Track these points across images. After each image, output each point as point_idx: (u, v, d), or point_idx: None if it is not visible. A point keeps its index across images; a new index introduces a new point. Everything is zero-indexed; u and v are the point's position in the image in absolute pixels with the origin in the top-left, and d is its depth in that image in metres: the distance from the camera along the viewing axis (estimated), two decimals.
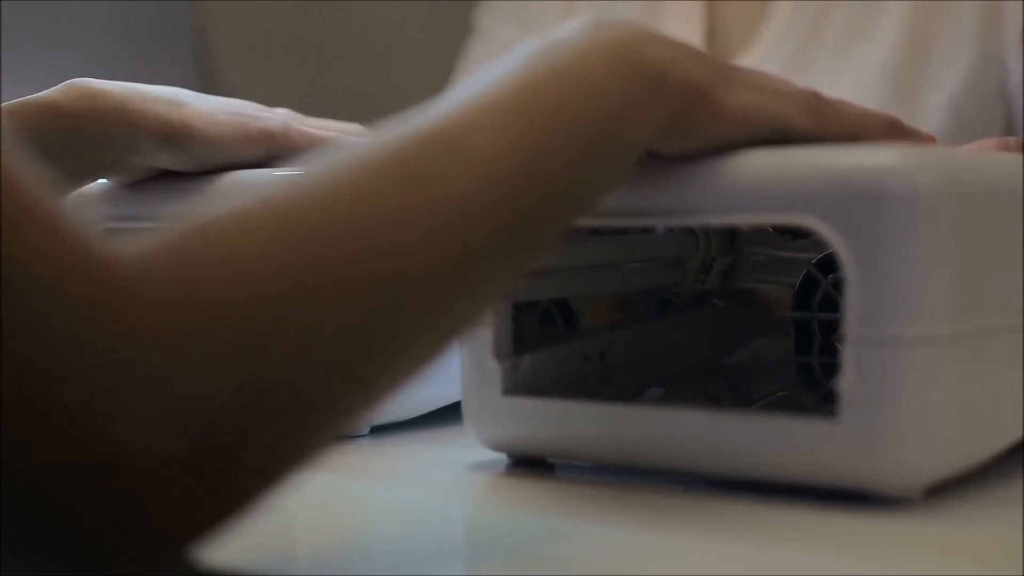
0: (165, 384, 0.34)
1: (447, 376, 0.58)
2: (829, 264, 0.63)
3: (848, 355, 0.48)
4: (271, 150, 0.67)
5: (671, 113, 0.48)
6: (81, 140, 0.66)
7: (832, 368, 0.55)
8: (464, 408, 0.57)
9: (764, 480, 0.50)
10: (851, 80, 1.15)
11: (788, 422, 0.50)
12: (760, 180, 0.50)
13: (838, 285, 0.55)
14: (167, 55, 1.90)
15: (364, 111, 2.01)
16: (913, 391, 0.47)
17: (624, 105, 0.46)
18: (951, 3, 1.14)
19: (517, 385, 0.56)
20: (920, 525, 0.47)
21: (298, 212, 0.38)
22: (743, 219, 0.52)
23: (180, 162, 0.68)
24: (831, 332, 0.64)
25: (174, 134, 0.66)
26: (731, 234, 0.67)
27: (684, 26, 1.21)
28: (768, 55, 1.18)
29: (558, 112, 0.44)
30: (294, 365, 0.36)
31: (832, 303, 0.64)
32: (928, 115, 1.14)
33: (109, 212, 0.73)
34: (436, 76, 1.43)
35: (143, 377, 0.33)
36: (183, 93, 0.68)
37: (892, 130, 0.54)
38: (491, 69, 0.45)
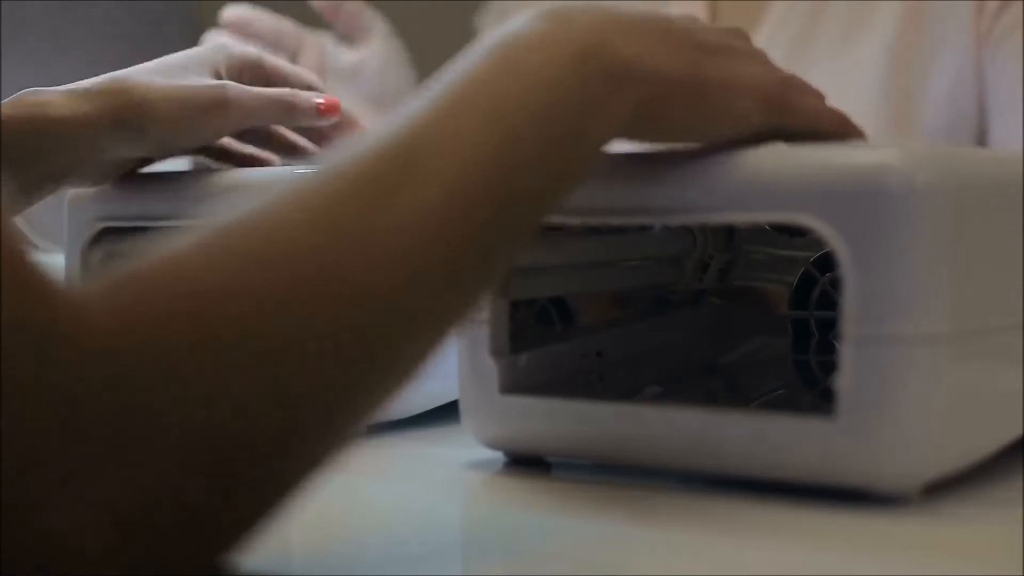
0: (96, 475, 0.32)
1: (444, 374, 0.57)
2: (827, 262, 0.63)
3: (846, 353, 0.48)
4: (228, 119, 0.67)
5: (636, 107, 0.47)
6: (28, 150, 0.64)
7: (830, 366, 0.55)
8: (461, 406, 0.57)
9: (762, 479, 0.50)
10: (849, 73, 1.15)
11: (786, 421, 0.50)
12: (758, 178, 0.50)
13: (836, 283, 0.55)
14: (161, 55, 1.90)
15: None
16: (911, 389, 0.47)
17: (587, 104, 0.45)
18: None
19: (514, 383, 0.56)
20: (918, 524, 0.47)
21: (253, 247, 0.36)
22: (741, 217, 0.52)
23: (141, 147, 0.67)
24: (829, 330, 0.64)
25: (126, 119, 0.65)
26: (729, 232, 0.67)
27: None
28: (767, 46, 1.18)
29: (519, 116, 0.43)
30: (244, 423, 0.35)
31: (830, 301, 0.64)
32: (926, 107, 1.14)
33: (108, 212, 0.73)
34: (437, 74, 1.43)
35: (77, 466, 0.32)
36: (125, 75, 0.66)
37: (844, 127, 0.54)
38: (453, 70, 0.44)
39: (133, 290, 0.35)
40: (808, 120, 0.52)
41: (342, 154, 0.41)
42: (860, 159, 0.48)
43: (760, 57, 0.53)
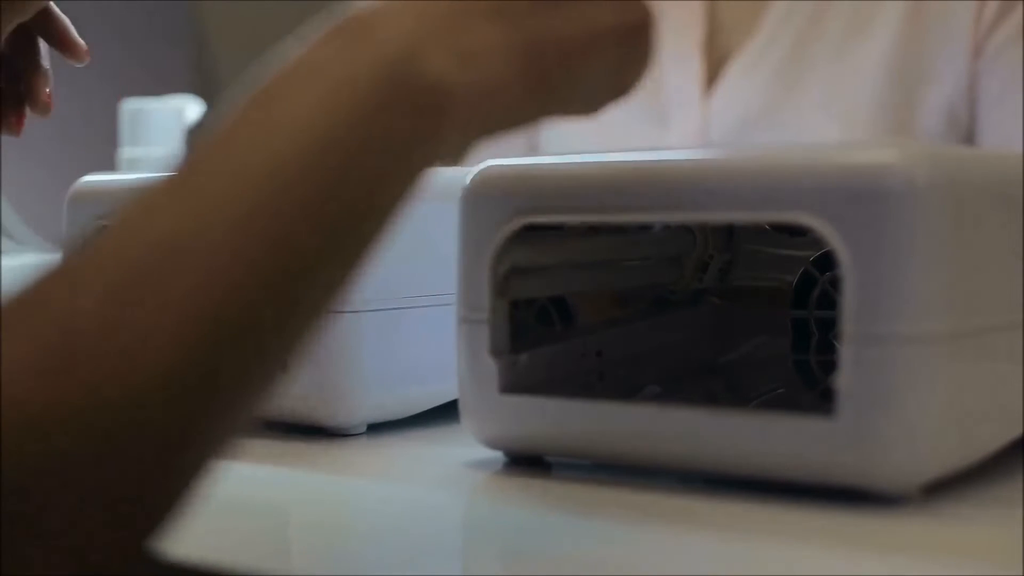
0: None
1: (444, 374, 0.57)
2: (826, 262, 0.63)
3: (846, 353, 0.48)
4: None
5: (464, 129, 0.40)
6: None
7: (830, 366, 0.55)
8: (461, 406, 0.57)
9: (761, 478, 0.50)
10: (849, 77, 1.16)
11: (786, 420, 0.50)
12: (758, 178, 0.50)
13: (835, 283, 0.55)
14: (167, 55, 1.90)
15: None
16: (911, 389, 0.47)
17: (386, 142, 0.38)
18: (943, 3, 1.14)
19: (514, 383, 0.55)
20: (918, 524, 0.47)
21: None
22: (741, 217, 0.52)
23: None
24: (828, 330, 0.64)
25: None
26: (729, 231, 0.67)
27: (686, 20, 1.22)
28: (765, 51, 1.18)
29: (313, 177, 0.36)
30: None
31: (829, 301, 0.64)
32: (925, 114, 1.15)
33: (108, 210, 0.73)
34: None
35: None
36: None
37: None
38: (241, 107, 0.37)
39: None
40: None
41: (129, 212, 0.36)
42: (860, 159, 0.48)
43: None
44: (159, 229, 0.35)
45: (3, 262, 1.23)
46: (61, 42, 0.64)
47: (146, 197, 0.36)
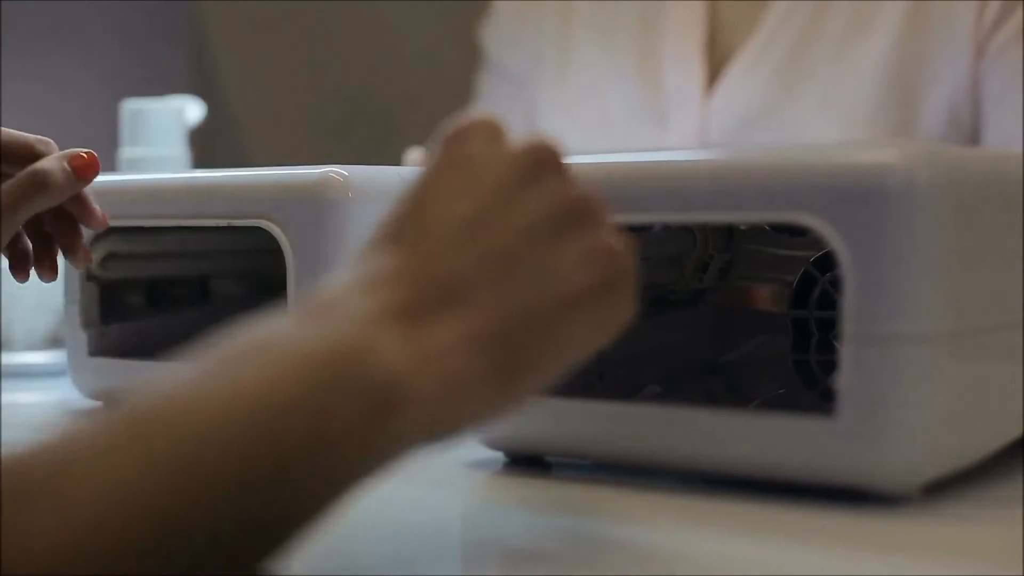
0: None
1: None
2: (826, 262, 0.63)
3: (846, 353, 0.48)
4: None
5: (425, 418, 0.37)
6: None
7: (830, 366, 0.55)
8: None
9: (762, 478, 0.50)
10: (849, 77, 1.16)
11: (786, 420, 0.50)
12: (758, 178, 0.50)
13: (836, 283, 0.55)
14: (167, 55, 1.90)
15: (363, 109, 2.02)
16: (911, 389, 0.47)
17: (324, 429, 0.35)
18: (944, 3, 1.14)
19: None
20: (918, 523, 0.47)
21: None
22: (741, 217, 0.52)
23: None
24: (829, 330, 0.64)
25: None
26: (729, 232, 0.67)
27: (687, 20, 1.22)
28: (765, 50, 1.18)
29: (238, 447, 0.33)
30: None
31: (829, 301, 0.64)
32: (926, 114, 1.14)
33: (108, 212, 0.73)
34: (436, 74, 1.44)
35: None
36: None
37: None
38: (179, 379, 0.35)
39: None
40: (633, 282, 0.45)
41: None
42: (860, 159, 0.48)
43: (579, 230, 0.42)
44: (94, 476, 0.32)
45: (3, 263, 1.23)
46: (80, 211, 0.67)
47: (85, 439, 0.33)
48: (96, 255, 0.75)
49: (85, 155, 0.64)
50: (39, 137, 0.65)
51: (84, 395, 0.74)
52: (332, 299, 0.38)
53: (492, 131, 0.43)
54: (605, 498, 0.51)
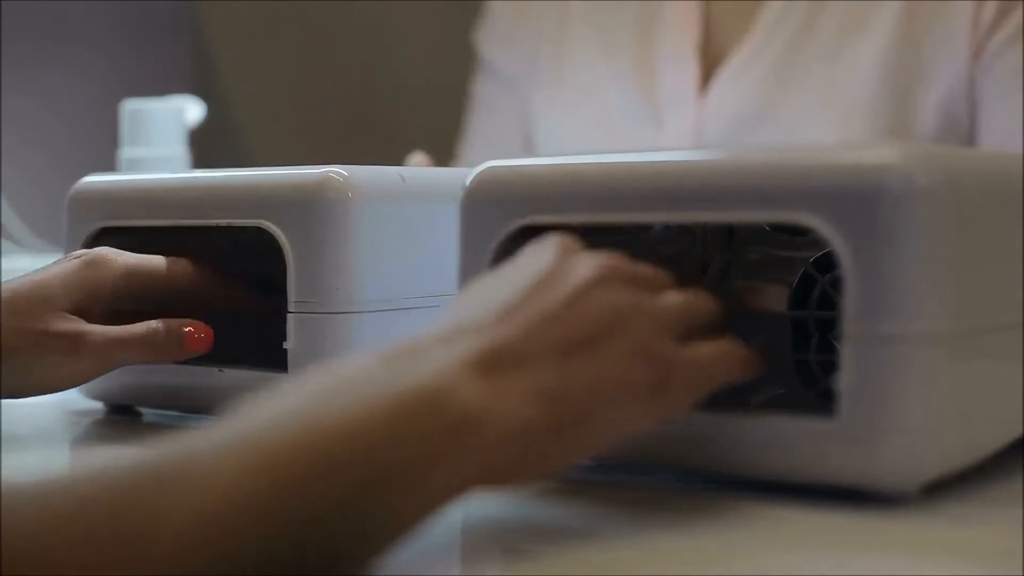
0: None
1: None
2: (827, 262, 0.63)
3: (846, 353, 0.48)
4: (81, 364, 0.66)
5: (492, 458, 0.41)
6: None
7: (830, 366, 0.55)
8: None
9: (762, 479, 0.50)
10: (844, 77, 1.16)
11: (786, 420, 0.50)
12: (758, 177, 0.50)
13: (836, 283, 0.55)
14: (168, 55, 1.90)
15: (363, 109, 2.01)
16: (911, 388, 0.47)
17: (406, 459, 0.38)
18: (940, 3, 1.15)
19: None
20: (918, 524, 0.47)
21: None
22: (741, 216, 0.52)
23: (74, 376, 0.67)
24: (829, 330, 0.64)
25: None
26: (729, 232, 0.67)
27: (682, 22, 1.22)
28: (760, 51, 1.19)
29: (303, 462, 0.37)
30: None
31: (829, 301, 0.64)
32: (921, 113, 1.15)
33: (108, 212, 0.73)
34: (437, 74, 1.43)
35: None
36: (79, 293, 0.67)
37: (742, 367, 0.51)
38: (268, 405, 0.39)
39: None
40: (702, 386, 0.49)
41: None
42: (860, 158, 0.48)
43: (637, 326, 0.47)
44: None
45: (3, 263, 1.23)
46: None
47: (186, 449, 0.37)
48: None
49: (203, 335, 0.67)
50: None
51: (85, 396, 0.74)
52: (415, 345, 0.42)
53: (569, 244, 0.50)
54: (605, 498, 0.51)
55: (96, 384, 0.71)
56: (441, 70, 1.42)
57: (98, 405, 0.75)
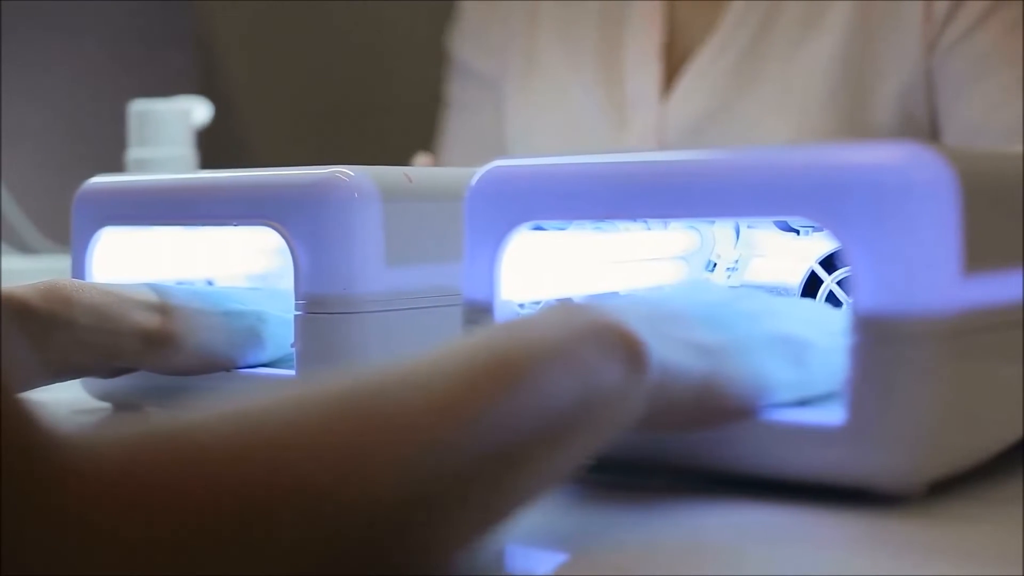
0: None
1: None
2: (831, 262, 0.63)
3: (851, 352, 0.48)
4: (247, 349, 0.68)
5: (649, 396, 0.46)
6: (53, 343, 0.64)
7: None
8: None
9: (763, 479, 0.50)
10: (802, 71, 1.18)
11: (789, 421, 0.50)
12: (759, 177, 0.50)
13: (841, 283, 0.55)
14: (174, 56, 1.90)
15: (369, 110, 2.01)
16: (916, 388, 0.47)
17: (591, 366, 0.43)
18: (891, 1, 1.17)
19: None
20: (919, 523, 0.47)
21: (263, 432, 0.36)
22: (742, 216, 0.52)
23: (161, 367, 0.67)
24: None
25: (156, 342, 0.66)
26: (735, 231, 0.67)
27: (647, 24, 1.24)
28: (721, 52, 1.21)
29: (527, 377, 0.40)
30: None
31: (835, 301, 0.64)
32: (877, 107, 1.16)
33: (114, 212, 0.74)
34: (442, 76, 1.44)
35: None
36: (167, 292, 0.67)
37: None
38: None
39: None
40: None
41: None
42: (862, 157, 0.48)
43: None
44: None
45: (10, 264, 1.24)
46: None
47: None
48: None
49: None
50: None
51: (91, 395, 0.74)
52: (583, 304, 0.47)
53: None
54: (605, 498, 0.52)
55: (103, 384, 0.71)
56: (447, 71, 1.43)
57: (105, 405, 0.75)
